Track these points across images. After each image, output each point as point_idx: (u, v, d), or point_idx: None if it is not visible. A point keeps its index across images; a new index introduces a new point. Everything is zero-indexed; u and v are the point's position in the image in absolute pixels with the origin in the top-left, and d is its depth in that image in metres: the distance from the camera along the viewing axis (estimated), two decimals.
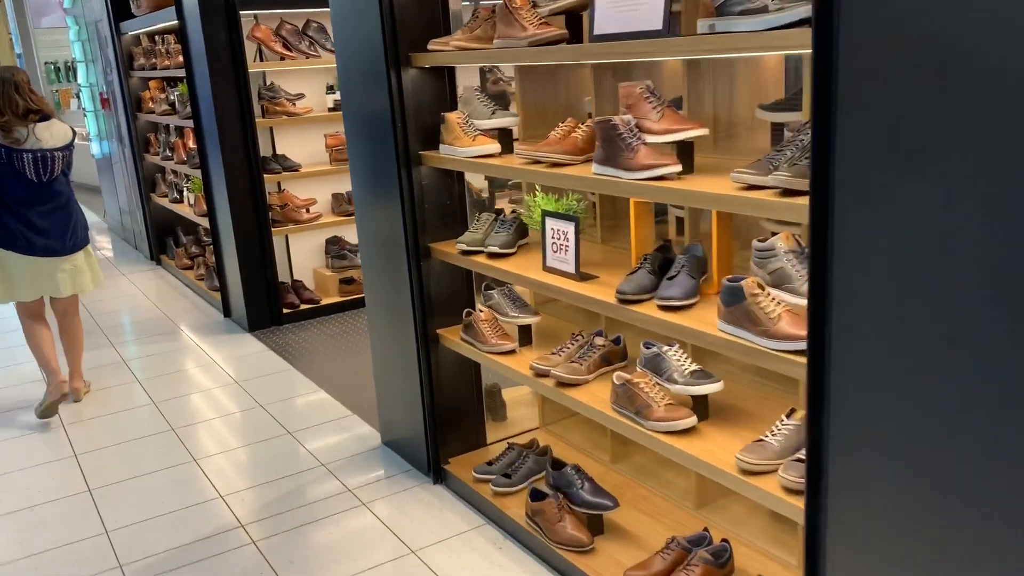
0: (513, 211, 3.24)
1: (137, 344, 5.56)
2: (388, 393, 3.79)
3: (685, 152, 2.31)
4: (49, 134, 4.21)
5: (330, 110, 5.87)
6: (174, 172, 7.19)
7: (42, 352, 4.46)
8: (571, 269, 2.68)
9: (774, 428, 2.16)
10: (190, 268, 7.10)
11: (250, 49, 5.53)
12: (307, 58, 5.68)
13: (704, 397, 2.39)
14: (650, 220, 2.63)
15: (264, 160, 5.67)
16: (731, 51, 1.95)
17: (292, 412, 4.33)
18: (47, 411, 4.37)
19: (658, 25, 2.13)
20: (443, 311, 3.43)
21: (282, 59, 5.60)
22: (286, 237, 5.99)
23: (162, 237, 7.70)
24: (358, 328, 5.57)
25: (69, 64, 13.71)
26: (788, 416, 2.18)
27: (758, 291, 2.02)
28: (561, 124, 2.79)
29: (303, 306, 5.88)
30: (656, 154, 2.28)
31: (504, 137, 3.04)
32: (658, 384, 2.45)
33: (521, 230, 3.15)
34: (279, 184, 5.92)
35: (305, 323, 5.77)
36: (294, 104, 5.72)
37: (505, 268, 2.92)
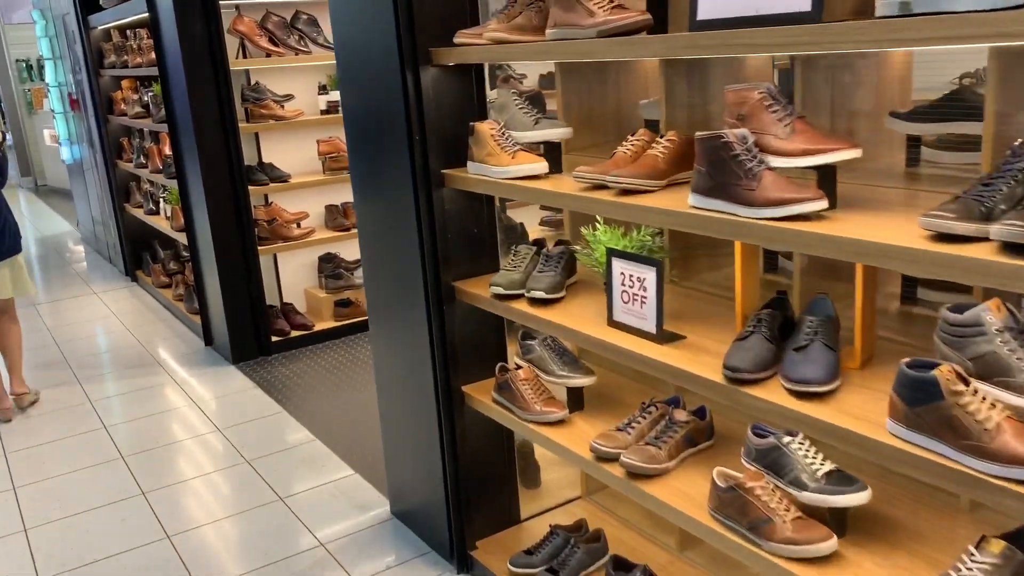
0: (559, 242, 2.61)
1: (106, 379, 4.90)
2: (398, 454, 3.17)
3: (825, 179, 1.69)
4: None
5: (323, 113, 5.23)
6: (149, 181, 6.53)
7: None
8: (650, 327, 2.06)
9: (961, 566, 1.55)
10: (168, 287, 6.44)
11: (232, 44, 4.88)
12: (297, 54, 5.03)
13: (845, 509, 1.78)
14: (758, 264, 2.02)
15: (249, 170, 5.03)
16: (931, 41, 1.33)
17: (284, 470, 3.69)
18: None
19: (805, 6, 1.51)
20: (470, 363, 2.81)
21: (268, 55, 4.96)
22: (274, 256, 5.34)
23: (138, 251, 7.04)
24: (357, 359, 4.93)
25: (40, 61, 12.98)
26: (979, 547, 1.57)
27: (961, 387, 1.41)
28: (631, 137, 2.17)
29: (294, 333, 5.24)
30: (787, 184, 1.66)
31: (552, 153, 2.42)
32: (779, 488, 1.83)
33: (570, 267, 2.53)
34: (266, 197, 5.28)
35: (296, 353, 5.13)
36: (282, 106, 5.07)
37: (554, 320, 2.30)
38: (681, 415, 2.21)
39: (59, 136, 8.40)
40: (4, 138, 4.04)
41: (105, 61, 6.60)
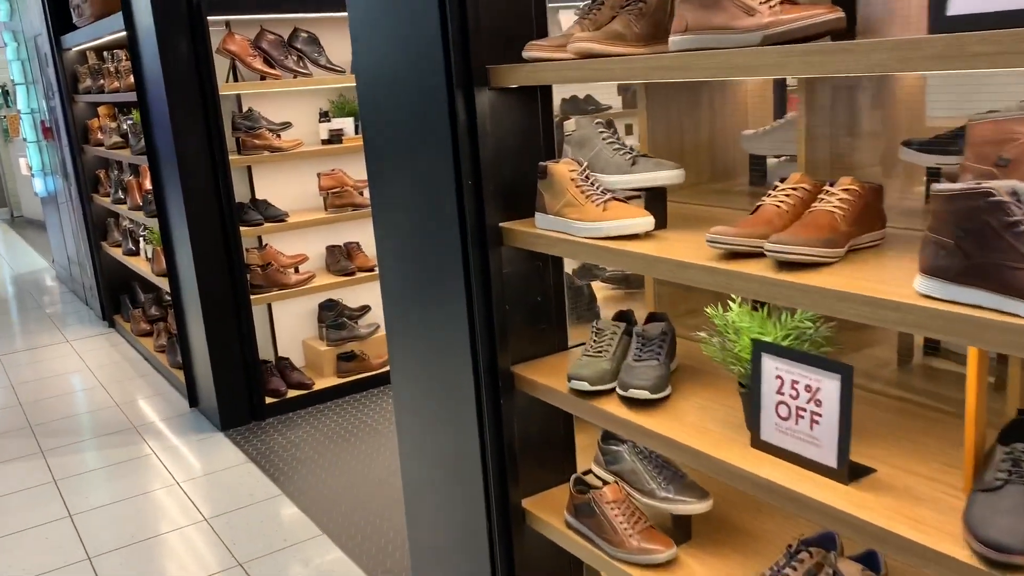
0: (652, 317, 2.00)
1: (75, 451, 4.24)
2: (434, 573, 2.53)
3: None
4: None
5: (324, 142, 4.61)
6: (129, 219, 5.90)
7: None
8: (828, 459, 1.44)
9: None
10: (149, 335, 5.78)
11: (221, 66, 4.28)
12: (295, 76, 4.43)
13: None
14: (986, 375, 1.40)
15: (240, 207, 4.41)
16: None
17: None
18: None
19: None
20: (531, 468, 2.18)
21: (263, 78, 4.35)
22: (268, 305, 4.71)
23: (116, 294, 6.38)
24: (365, 422, 4.29)
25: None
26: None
27: None
28: (783, 185, 1.57)
29: (291, 392, 4.59)
30: None
31: (655, 202, 1.81)
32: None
33: (673, 351, 1.92)
34: (260, 238, 4.65)
35: (295, 416, 4.48)
36: (278, 136, 4.46)
37: (665, 432, 1.68)
38: (850, 568, 1.59)
39: (32, 166, 7.75)
40: None
41: (80, 86, 5.99)
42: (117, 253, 6.00)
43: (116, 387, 5.14)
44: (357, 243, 4.87)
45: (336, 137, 4.60)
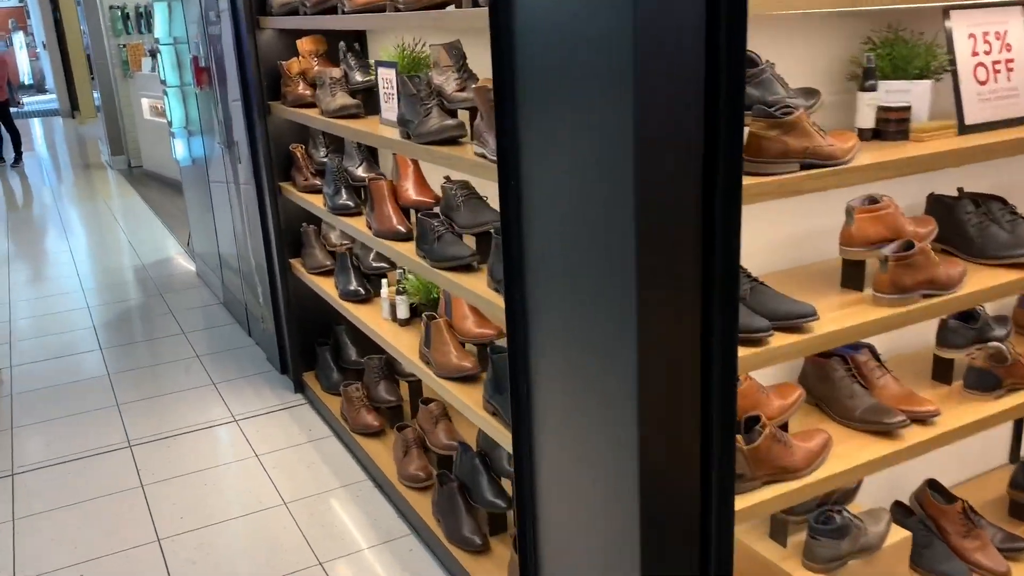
0: None
1: None
2: None
3: None
4: None
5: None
6: (354, 243, 3.46)
7: None
8: None
9: None
10: (378, 432, 3.40)
11: None
12: None
13: None
14: None
15: None
16: None
17: None
18: None
19: None
20: None
21: None
22: None
23: (311, 340, 4.01)
24: None
25: (140, 8, 10.10)
26: None
27: None
28: None
29: None
30: None
31: None
32: None
33: None
34: None
35: None
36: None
37: None
38: None
39: (171, 121, 5.41)
40: None
41: (271, 1, 3.53)
42: (321, 284, 3.58)
43: (325, 545, 2.75)
44: None
45: None
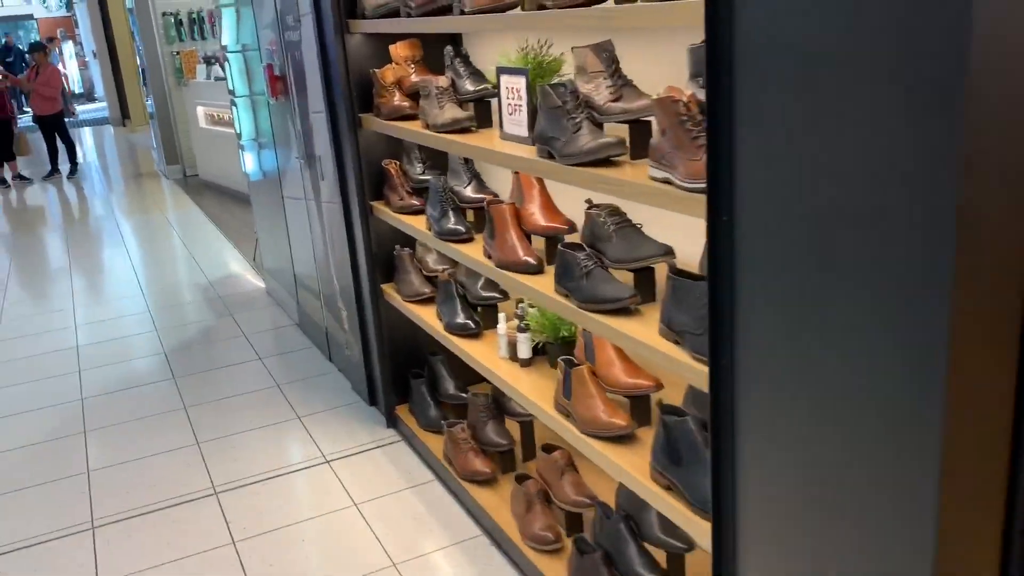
0: None
1: None
2: None
3: None
4: None
5: None
6: (456, 267, 3.11)
7: None
8: None
9: None
10: (484, 481, 3.05)
11: None
12: None
13: None
14: None
15: None
16: None
17: None
18: None
19: None
20: None
21: None
22: None
23: (402, 370, 3.68)
24: None
25: (193, 15, 9.88)
26: None
27: None
28: None
29: None
30: None
31: None
32: None
33: None
34: None
35: None
36: None
37: None
38: None
39: (241, 133, 5.12)
40: None
41: (366, 2, 3.19)
42: (421, 315, 3.24)
43: None
44: None
45: None
